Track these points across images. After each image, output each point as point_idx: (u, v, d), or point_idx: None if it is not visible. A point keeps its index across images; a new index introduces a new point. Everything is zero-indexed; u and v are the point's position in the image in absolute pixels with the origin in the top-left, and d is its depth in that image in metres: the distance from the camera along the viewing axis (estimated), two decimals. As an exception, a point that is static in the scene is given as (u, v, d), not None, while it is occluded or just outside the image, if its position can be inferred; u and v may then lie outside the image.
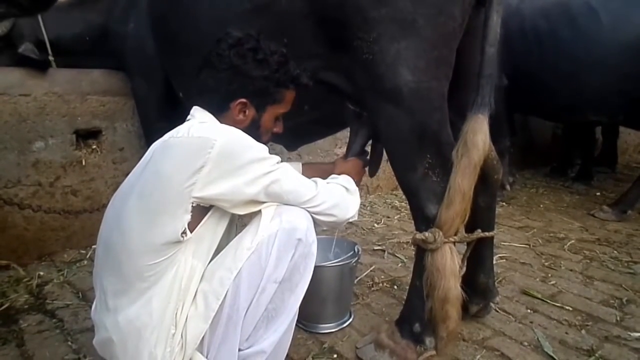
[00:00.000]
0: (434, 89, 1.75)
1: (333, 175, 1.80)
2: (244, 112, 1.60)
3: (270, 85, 1.60)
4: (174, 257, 1.45)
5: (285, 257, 1.52)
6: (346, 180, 1.77)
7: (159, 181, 1.45)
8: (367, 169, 2.07)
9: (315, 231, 1.62)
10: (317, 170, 1.96)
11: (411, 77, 1.69)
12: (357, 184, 1.84)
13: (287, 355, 1.72)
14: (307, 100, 2.00)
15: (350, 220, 1.73)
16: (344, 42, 1.75)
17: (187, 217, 1.43)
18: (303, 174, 1.85)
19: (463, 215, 1.74)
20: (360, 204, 1.92)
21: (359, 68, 1.76)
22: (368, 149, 2.09)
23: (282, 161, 1.58)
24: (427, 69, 1.71)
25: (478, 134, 1.68)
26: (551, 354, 2.02)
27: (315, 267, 1.64)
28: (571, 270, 2.92)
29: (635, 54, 3.44)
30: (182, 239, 1.43)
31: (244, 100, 1.58)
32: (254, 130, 1.61)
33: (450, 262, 1.74)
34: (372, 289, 2.66)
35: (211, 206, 1.50)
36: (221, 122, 1.58)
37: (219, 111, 1.59)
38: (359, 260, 2.33)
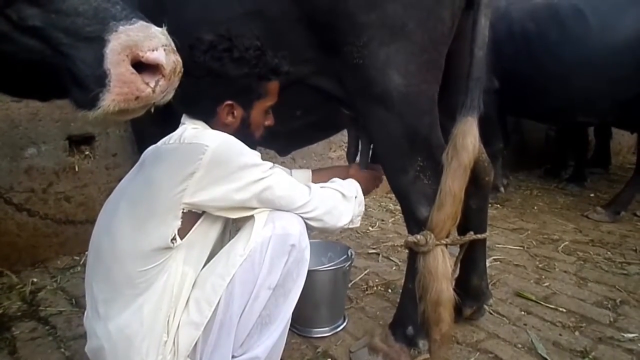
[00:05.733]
0: (424, 92, 1.76)
1: (334, 179, 1.80)
2: (232, 113, 1.59)
3: (252, 82, 1.57)
4: (165, 263, 1.44)
5: (278, 264, 1.52)
6: (345, 186, 1.75)
7: (150, 187, 1.46)
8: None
9: (309, 235, 1.62)
10: (326, 177, 1.93)
11: (401, 80, 1.70)
12: (364, 191, 1.84)
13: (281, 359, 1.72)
14: (300, 105, 2.01)
15: (351, 226, 1.74)
16: (334, 46, 1.75)
17: (177, 223, 1.43)
18: (313, 181, 1.84)
19: (454, 217, 1.74)
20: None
21: (350, 72, 1.76)
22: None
23: (274, 166, 1.57)
24: (417, 72, 1.72)
25: (468, 137, 1.69)
26: (545, 355, 2.02)
27: (309, 271, 1.65)
28: (565, 271, 2.93)
29: (623, 56, 3.46)
30: (172, 245, 1.43)
31: (229, 102, 1.57)
32: (245, 129, 1.61)
33: (442, 264, 1.74)
34: (367, 292, 2.66)
35: (203, 212, 1.50)
36: (212, 127, 1.58)
37: (208, 117, 1.59)
38: (353, 264, 2.33)
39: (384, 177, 1.98)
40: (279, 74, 1.63)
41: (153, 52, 1.04)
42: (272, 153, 3.11)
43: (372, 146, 2.08)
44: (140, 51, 1.03)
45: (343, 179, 1.83)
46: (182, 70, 1.12)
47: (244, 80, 1.56)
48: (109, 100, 1.02)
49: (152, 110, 1.16)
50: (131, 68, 1.03)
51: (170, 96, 1.13)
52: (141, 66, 1.05)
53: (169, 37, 1.10)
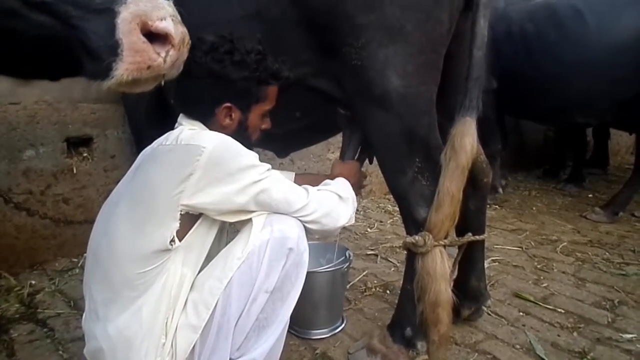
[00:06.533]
0: (422, 93, 1.76)
1: (327, 181, 1.79)
2: (230, 116, 1.58)
3: (251, 86, 1.57)
4: (163, 265, 1.44)
5: (276, 267, 1.51)
6: (340, 186, 1.75)
7: (148, 189, 1.45)
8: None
9: (307, 238, 1.62)
10: (310, 180, 1.94)
11: (400, 82, 1.70)
12: (354, 186, 1.83)
13: (279, 361, 1.71)
14: (299, 107, 2.01)
15: (345, 225, 1.72)
16: (333, 48, 1.75)
17: (176, 225, 1.43)
18: (295, 183, 1.85)
19: (452, 218, 1.74)
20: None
21: (348, 74, 1.76)
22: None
23: (272, 169, 1.57)
24: (415, 73, 1.72)
25: (466, 137, 1.69)
26: (543, 356, 2.02)
27: (307, 273, 1.64)
28: (563, 272, 2.93)
29: (622, 57, 3.47)
30: (170, 247, 1.42)
31: (228, 104, 1.56)
32: (242, 131, 1.60)
33: (440, 265, 1.74)
34: (365, 294, 2.66)
35: (200, 214, 1.50)
36: (209, 128, 1.57)
37: (205, 118, 1.58)
38: (351, 265, 2.33)
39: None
40: (278, 79, 1.63)
41: (162, 22, 1.06)
42: (271, 154, 3.12)
43: (360, 148, 2.08)
44: (150, 20, 1.05)
45: (331, 178, 1.83)
46: (190, 42, 1.14)
47: (243, 84, 1.55)
48: (122, 69, 1.04)
49: (162, 83, 1.15)
50: (142, 37, 1.04)
51: (179, 70, 1.15)
52: (151, 37, 1.06)
53: (175, 8, 1.12)
